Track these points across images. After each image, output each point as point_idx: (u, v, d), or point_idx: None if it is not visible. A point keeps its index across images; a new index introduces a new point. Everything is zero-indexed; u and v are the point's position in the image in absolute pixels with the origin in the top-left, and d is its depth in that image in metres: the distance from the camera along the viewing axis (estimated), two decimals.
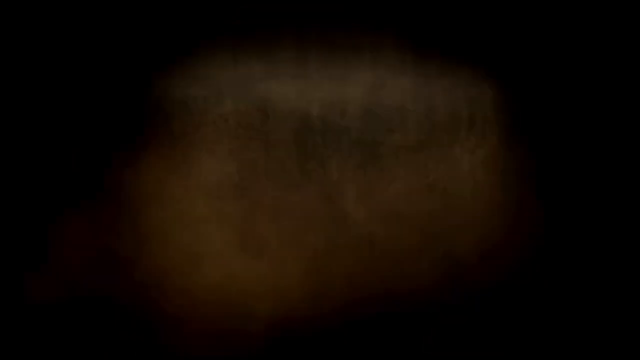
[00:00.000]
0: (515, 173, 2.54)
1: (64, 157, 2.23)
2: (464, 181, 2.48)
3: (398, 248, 2.43)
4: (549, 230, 2.58)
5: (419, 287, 2.46)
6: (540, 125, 2.57)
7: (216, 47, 2.34)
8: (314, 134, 2.40)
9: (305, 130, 2.39)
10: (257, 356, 2.36)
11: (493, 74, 2.53)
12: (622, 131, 2.62)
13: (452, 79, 2.49)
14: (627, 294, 2.60)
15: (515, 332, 2.54)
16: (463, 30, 2.51)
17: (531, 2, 2.58)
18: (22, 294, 2.17)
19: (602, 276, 2.61)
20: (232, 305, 2.35)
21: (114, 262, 2.27)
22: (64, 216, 2.23)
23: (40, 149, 2.22)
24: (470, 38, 2.51)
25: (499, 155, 2.52)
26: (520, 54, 2.57)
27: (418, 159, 2.45)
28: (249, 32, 2.36)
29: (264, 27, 2.37)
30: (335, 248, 2.40)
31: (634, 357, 2.54)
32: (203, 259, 2.32)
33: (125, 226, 2.27)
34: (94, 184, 2.25)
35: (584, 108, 2.62)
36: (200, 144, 2.32)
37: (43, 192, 2.22)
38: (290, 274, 2.38)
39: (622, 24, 2.62)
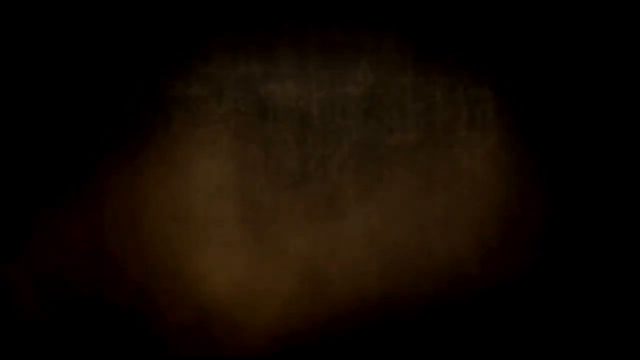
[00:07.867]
0: (516, 173, 2.54)
1: (59, 157, 2.24)
2: (464, 181, 2.48)
3: (398, 248, 2.43)
4: (550, 230, 2.58)
5: (420, 288, 2.46)
6: (541, 124, 2.57)
7: (216, 47, 2.35)
8: (314, 134, 2.40)
9: (305, 130, 2.39)
10: (254, 358, 2.36)
11: (493, 74, 2.53)
12: (624, 129, 2.62)
13: (452, 78, 2.49)
14: (632, 293, 2.60)
15: (516, 333, 2.54)
16: (463, 30, 2.51)
17: (532, 1, 2.58)
18: (12, 309, 2.16)
19: (605, 276, 2.61)
20: (230, 305, 2.35)
21: (111, 264, 2.27)
22: (58, 218, 2.24)
23: (34, 148, 2.22)
24: (471, 38, 2.51)
25: (499, 155, 2.52)
26: (520, 54, 2.57)
27: (418, 159, 2.45)
28: (248, 31, 2.36)
29: (263, 26, 2.37)
30: (335, 248, 2.40)
31: (635, 357, 2.54)
32: (202, 260, 2.32)
33: (123, 227, 2.27)
34: (91, 184, 2.25)
35: (585, 107, 2.62)
36: (200, 144, 2.33)
37: (31, 193, 2.22)
38: (290, 274, 2.38)
39: (623, 23, 2.62)
